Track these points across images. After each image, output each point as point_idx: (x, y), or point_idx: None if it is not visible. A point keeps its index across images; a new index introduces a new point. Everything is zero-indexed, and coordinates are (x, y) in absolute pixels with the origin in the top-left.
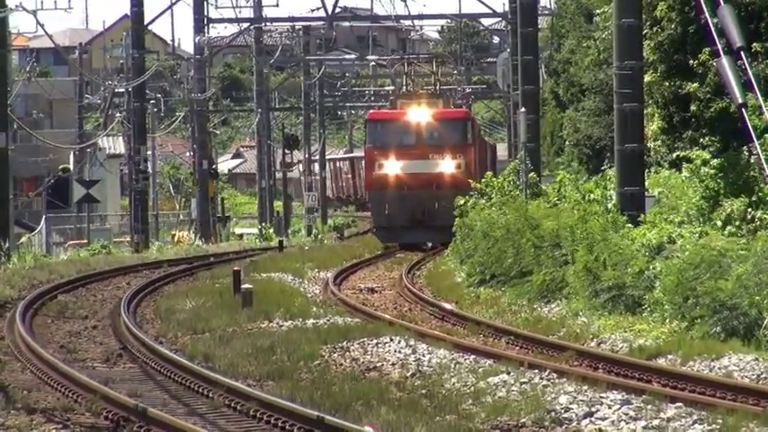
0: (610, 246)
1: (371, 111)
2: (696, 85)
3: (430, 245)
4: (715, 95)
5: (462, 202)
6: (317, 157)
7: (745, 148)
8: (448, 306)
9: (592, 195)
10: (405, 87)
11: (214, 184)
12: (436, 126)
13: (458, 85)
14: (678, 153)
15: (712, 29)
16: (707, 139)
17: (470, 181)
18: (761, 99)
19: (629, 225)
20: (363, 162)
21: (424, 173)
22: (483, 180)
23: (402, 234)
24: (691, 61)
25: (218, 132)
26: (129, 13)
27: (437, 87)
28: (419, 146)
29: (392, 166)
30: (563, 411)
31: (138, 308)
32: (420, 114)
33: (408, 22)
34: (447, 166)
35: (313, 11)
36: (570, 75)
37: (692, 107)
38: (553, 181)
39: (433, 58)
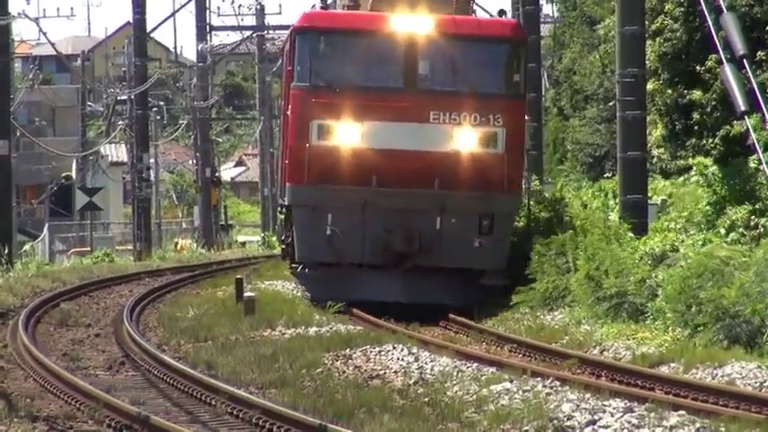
0: (611, 255)
1: (306, 12)
2: (700, 92)
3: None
4: (720, 103)
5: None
6: None
7: (753, 157)
8: None
9: (593, 204)
10: None
11: (217, 192)
12: (450, 51)
13: None
14: (680, 162)
15: (715, 37)
16: (710, 142)
17: (515, 174)
18: (764, 107)
19: (632, 234)
20: (281, 124)
21: (418, 151)
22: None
23: (360, 282)
24: (697, 67)
25: (220, 140)
26: (131, 21)
27: None
28: (409, 93)
29: (348, 134)
30: (566, 419)
31: (141, 316)
32: (414, 24)
33: None
34: (468, 138)
35: None
36: (573, 82)
37: (695, 115)
38: (553, 189)
39: None
